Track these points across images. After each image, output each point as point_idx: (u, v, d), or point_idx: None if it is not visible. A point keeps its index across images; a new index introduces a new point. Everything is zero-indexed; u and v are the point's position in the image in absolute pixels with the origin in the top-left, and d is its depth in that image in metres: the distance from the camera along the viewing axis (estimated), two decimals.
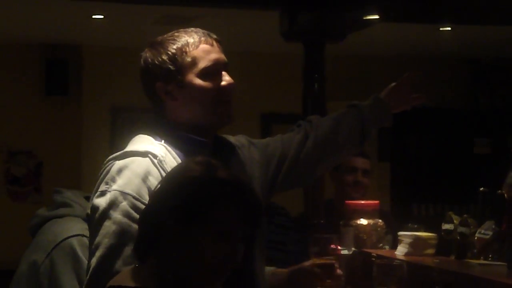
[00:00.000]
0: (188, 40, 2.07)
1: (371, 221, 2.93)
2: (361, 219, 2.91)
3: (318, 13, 3.58)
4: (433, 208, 6.82)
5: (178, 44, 2.06)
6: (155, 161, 1.96)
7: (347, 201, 3.17)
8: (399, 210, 5.94)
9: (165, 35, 2.11)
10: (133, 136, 2.08)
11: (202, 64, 2.05)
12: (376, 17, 3.42)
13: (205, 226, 1.59)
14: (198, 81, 2.05)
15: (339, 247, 2.81)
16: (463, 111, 7.07)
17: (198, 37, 2.08)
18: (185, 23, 5.27)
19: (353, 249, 2.80)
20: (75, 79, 6.53)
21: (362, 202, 3.14)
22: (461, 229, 2.43)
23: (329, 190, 3.93)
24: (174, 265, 1.60)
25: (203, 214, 1.59)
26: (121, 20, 5.58)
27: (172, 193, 1.63)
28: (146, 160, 1.95)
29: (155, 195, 1.70)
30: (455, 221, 2.49)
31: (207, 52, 2.07)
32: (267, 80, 6.55)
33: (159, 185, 1.71)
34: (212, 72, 2.06)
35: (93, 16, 5.39)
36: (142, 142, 2.03)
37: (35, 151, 6.56)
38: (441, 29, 5.54)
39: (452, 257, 2.45)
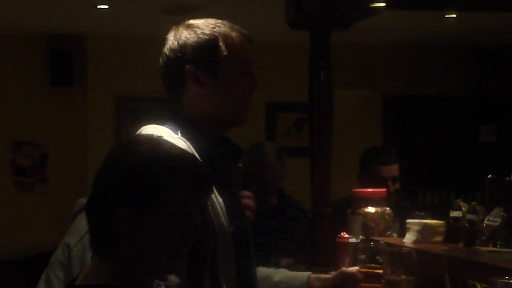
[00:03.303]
0: (230, 32, 2.01)
1: (378, 209, 2.93)
2: (369, 207, 2.91)
3: (324, 1, 3.57)
4: (439, 196, 6.82)
5: (220, 32, 2.00)
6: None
7: (354, 190, 3.16)
8: (405, 198, 5.93)
9: (204, 20, 2.04)
10: (144, 125, 2.02)
11: (240, 59, 2.01)
12: (383, 4, 3.41)
13: (159, 208, 1.53)
14: (234, 75, 2.00)
15: (346, 235, 2.82)
16: (469, 98, 7.05)
17: (239, 32, 2.03)
18: (190, 13, 5.25)
19: (361, 237, 2.80)
20: (80, 69, 6.53)
21: (370, 190, 3.14)
22: (470, 216, 2.43)
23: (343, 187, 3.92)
24: (134, 253, 1.54)
25: (156, 196, 1.53)
26: (126, 9, 5.57)
27: (119, 178, 1.54)
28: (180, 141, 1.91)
29: (98, 182, 1.58)
30: (463, 208, 2.49)
31: (246, 49, 2.03)
32: (272, 69, 6.53)
33: (101, 171, 1.59)
34: (246, 69, 2.02)
35: (98, 6, 5.38)
36: (161, 134, 1.93)
37: (41, 142, 6.56)
38: (446, 16, 5.51)
39: (461, 244, 2.45)
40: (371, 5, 3.50)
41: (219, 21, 2.05)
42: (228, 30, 2.02)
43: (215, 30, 2.01)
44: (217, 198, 1.97)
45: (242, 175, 3.66)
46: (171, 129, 1.98)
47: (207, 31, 2.00)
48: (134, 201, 1.53)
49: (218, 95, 2.00)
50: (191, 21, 2.05)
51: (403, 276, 2.30)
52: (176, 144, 1.69)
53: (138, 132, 2.02)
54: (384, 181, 3.73)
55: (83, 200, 2.72)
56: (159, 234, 1.53)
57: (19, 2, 5.31)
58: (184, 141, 1.95)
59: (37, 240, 6.19)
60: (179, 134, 1.98)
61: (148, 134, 1.75)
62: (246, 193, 2.73)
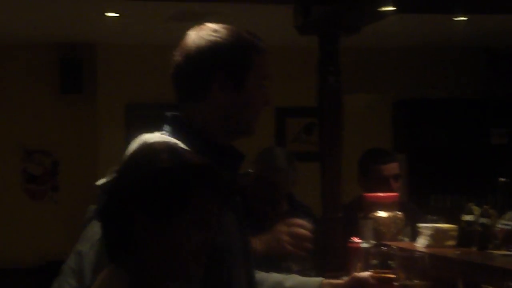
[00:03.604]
0: (258, 43, 1.98)
1: (390, 214, 2.92)
2: (380, 212, 2.90)
3: (333, 6, 3.56)
4: (450, 199, 6.78)
5: (254, 43, 1.97)
6: None
7: (365, 194, 3.15)
8: (416, 202, 5.91)
9: (230, 26, 1.98)
10: (142, 133, 1.97)
11: (264, 72, 1.98)
12: (392, 8, 3.39)
13: (181, 216, 1.53)
14: (256, 88, 1.97)
15: (358, 240, 2.81)
16: (479, 101, 7.02)
17: (263, 44, 1.99)
18: (200, 19, 5.25)
19: (372, 241, 2.79)
20: (90, 77, 6.55)
21: (381, 194, 3.13)
22: (483, 220, 2.41)
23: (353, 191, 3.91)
24: (153, 261, 1.54)
25: (178, 204, 1.53)
26: (135, 17, 5.58)
27: (140, 187, 1.53)
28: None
29: (116, 190, 1.57)
30: (475, 212, 2.47)
31: (267, 63, 2.01)
32: (281, 74, 6.53)
33: (118, 179, 1.57)
34: (265, 84, 2.00)
35: (107, 14, 5.40)
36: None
37: (51, 150, 6.58)
38: (455, 18, 5.50)
39: (474, 249, 2.44)
40: (380, 9, 3.49)
41: (247, 31, 1.99)
42: (256, 40, 1.98)
43: (249, 39, 1.97)
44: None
45: (252, 180, 3.66)
46: (169, 137, 1.93)
47: (243, 40, 1.95)
48: (156, 209, 1.52)
49: (238, 105, 1.96)
50: (222, 26, 1.99)
51: (415, 281, 2.29)
52: (196, 154, 1.66)
53: (138, 140, 1.96)
54: (386, 180, 3.73)
55: (94, 207, 2.72)
56: (180, 241, 1.53)
57: (29, 11, 5.33)
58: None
59: (49, 248, 6.20)
60: (175, 141, 1.91)
61: (165, 141, 1.74)
62: (299, 221, 2.75)
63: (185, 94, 1.99)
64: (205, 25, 2.01)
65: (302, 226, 2.75)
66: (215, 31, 1.97)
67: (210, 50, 1.93)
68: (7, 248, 6.36)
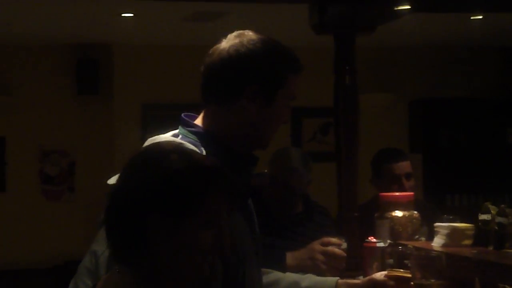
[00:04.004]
0: (296, 63, 1.97)
1: (406, 213, 2.91)
2: (396, 211, 2.89)
3: (348, 5, 3.55)
4: (466, 199, 6.76)
5: (290, 61, 1.96)
6: None
7: (381, 193, 3.15)
8: (432, 201, 5.90)
9: (272, 38, 1.96)
10: (152, 137, 1.95)
11: (292, 92, 1.97)
12: (407, 7, 3.39)
13: (194, 217, 1.53)
14: (283, 108, 1.97)
15: (374, 239, 2.81)
16: (495, 100, 7.00)
17: (299, 63, 1.98)
18: (214, 19, 5.27)
19: (388, 241, 2.79)
20: (106, 77, 6.57)
21: (397, 194, 3.12)
22: (499, 219, 2.40)
23: (369, 191, 3.91)
24: (165, 262, 1.53)
25: (192, 204, 1.52)
26: (151, 17, 5.60)
27: (154, 188, 1.52)
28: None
29: (126, 191, 1.54)
30: (492, 211, 2.46)
31: (296, 84, 1.99)
32: None
33: (128, 181, 1.55)
34: (290, 104, 1.99)
35: (123, 15, 5.42)
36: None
37: (68, 150, 6.61)
38: (472, 18, 5.48)
39: (491, 248, 2.43)
40: (396, 8, 3.49)
41: (288, 48, 1.98)
42: (296, 63, 1.97)
43: (287, 59, 1.96)
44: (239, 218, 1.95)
45: (267, 180, 3.66)
46: (189, 139, 1.92)
47: (280, 58, 1.94)
48: (170, 210, 1.52)
49: (263, 120, 1.95)
50: (262, 37, 1.96)
51: (432, 280, 2.28)
52: (206, 155, 1.67)
53: (148, 141, 1.94)
54: (398, 179, 3.73)
55: None
56: (192, 242, 1.53)
57: (46, 13, 5.36)
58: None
59: (66, 248, 6.23)
60: (203, 151, 1.91)
61: (173, 142, 1.74)
62: (334, 240, 2.76)
63: (213, 95, 1.97)
64: (247, 32, 1.98)
65: (337, 245, 2.76)
66: (258, 41, 1.95)
67: (250, 59, 1.92)
68: (24, 249, 6.40)
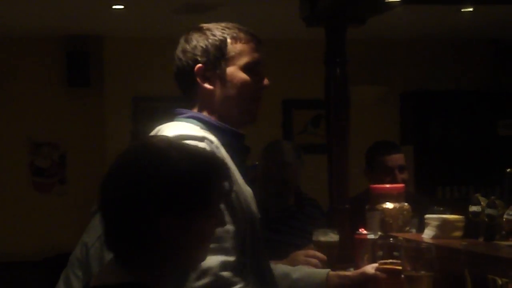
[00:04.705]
0: (238, 33, 2.10)
1: (397, 205, 2.92)
2: (387, 203, 2.90)
3: None
4: (457, 191, 6.78)
5: (228, 34, 2.09)
6: (213, 146, 1.98)
7: (372, 185, 3.15)
8: (423, 193, 5.92)
9: (214, 23, 2.13)
10: (163, 123, 2.08)
11: (247, 59, 2.09)
12: None
13: (204, 209, 1.56)
14: (241, 74, 2.08)
15: (365, 231, 2.81)
16: (486, 92, 7.01)
17: (247, 34, 2.11)
18: (206, 12, 5.26)
19: (379, 233, 2.79)
20: (97, 70, 6.56)
21: (387, 186, 3.13)
22: (489, 211, 2.41)
23: (360, 183, 3.92)
24: (175, 253, 1.55)
25: (204, 199, 1.56)
26: (142, 10, 5.59)
27: (159, 190, 1.52)
28: (203, 145, 1.94)
29: (127, 192, 1.54)
30: (482, 203, 2.47)
31: (253, 49, 2.11)
32: (288, 66, 6.53)
33: (128, 182, 1.54)
34: (254, 69, 2.10)
35: (114, 7, 5.40)
36: (190, 128, 2.03)
37: (59, 143, 6.59)
38: (462, 10, 5.48)
39: (481, 239, 2.43)
40: (387, 0, 3.49)
41: (229, 23, 2.13)
42: (236, 31, 2.10)
43: (224, 32, 2.09)
44: (245, 187, 2.04)
45: (259, 173, 3.66)
46: (194, 125, 2.04)
47: (216, 33, 2.09)
48: (180, 210, 1.53)
49: (227, 94, 2.08)
50: (202, 25, 2.13)
51: (422, 272, 2.29)
52: (195, 145, 1.72)
53: (161, 128, 2.05)
54: (390, 171, 3.75)
55: None
56: (200, 233, 1.57)
57: (36, 5, 5.34)
58: (208, 138, 1.99)
59: (56, 241, 6.22)
60: (201, 129, 2.03)
61: (165, 137, 1.76)
62: (312, 252, 2.75)
63: (181, 89, 2.14)
64: (197, 24, 2.15)
65: (317, 257, 2.75)
66: (198, 29, 2.12)
67: (190, 47, 2.09)
68: (15, 241, 6.39)
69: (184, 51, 2.11)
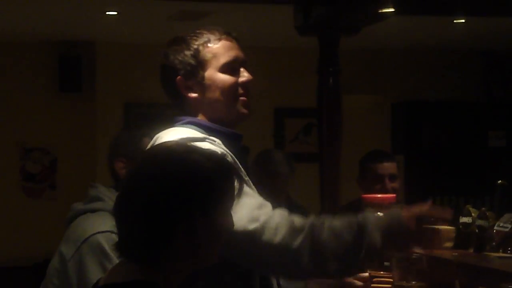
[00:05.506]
0: (210, 37, 2.12)
1: None
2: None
3: (333, 7, 3.57)
4: (448, 201, 6.79)
5: (200, 40, 2.12)
6: (215, 143, 2.00)
7: (363, 195, 3.16)
8: (414, 203, 5.93)
9: (187, 33, 2.16)
10: (161, 130, 2.11)
11: (222, 60, 2.11)
12: (391, 10, 3.41)
13: (222, 207, 1.61)
14: (219, 76, 2.11)
15: None
16: (478, 103, 7.03)
17: (219, 34, 2.13)
18: (199, 19, 5.26)
19: None
20: (89, 75, 6.54)
21: (379, 195, 3.13)
22: (480, 222, 2.42)
23: (351, 192, 3.92)
24: (192, 253, 1.57)
25: (222, 198, 1.60)
26: (135, 16, 5.58)
27: (189, 191, 1.55)
28: (206, 144, 1.97)
29: (153, 197, 1.54)
30: (473, 214, 2.48)
31: (228, 48, 2.13)
32: (281, 75, 6.53)
33: (160, 190, 1.55)
34: (232, 67, 2.12)
35: (107, 12, 5.40)
36: (189, 132, 2.05)
37: (50, 148, 6.57)
38: (455, 21, 5.51)
39: (471, 250, 2.44)
40: (380, 11, 3.50)
41: (202, 28, 2.16)
42: (208, 34, 2.13)
43: (196, 38, 2.12)
44: (254, 186, 2.09)
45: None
46: (193, 130, 2.07)
47: (189, 42, 2.12)
48: (207, 209, 1.57)
49: (212, 97, 2.11)
50: (178, 35, 2.18)
51: (413, 282, 2.29)
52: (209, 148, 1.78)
53: (163, 134, 2.08)
54: (381, 179, 3.74)
55: (77, 205, 2.72)
56: (218, 233, 1.60)
57: (28, 9, 5.33)
58: (210, 138, 2.03)
59: (46, 246, 6.18)
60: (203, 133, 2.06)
61: (176, 141, 1.80)
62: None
63: (169, 98, 2.18)
64: (186, 30, 2.19)
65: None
66: (174, 41, 2.17)
67: (168, 60, 2.14)
68: (4, 246, 6.35)
69: (164, 67, 2.16)
